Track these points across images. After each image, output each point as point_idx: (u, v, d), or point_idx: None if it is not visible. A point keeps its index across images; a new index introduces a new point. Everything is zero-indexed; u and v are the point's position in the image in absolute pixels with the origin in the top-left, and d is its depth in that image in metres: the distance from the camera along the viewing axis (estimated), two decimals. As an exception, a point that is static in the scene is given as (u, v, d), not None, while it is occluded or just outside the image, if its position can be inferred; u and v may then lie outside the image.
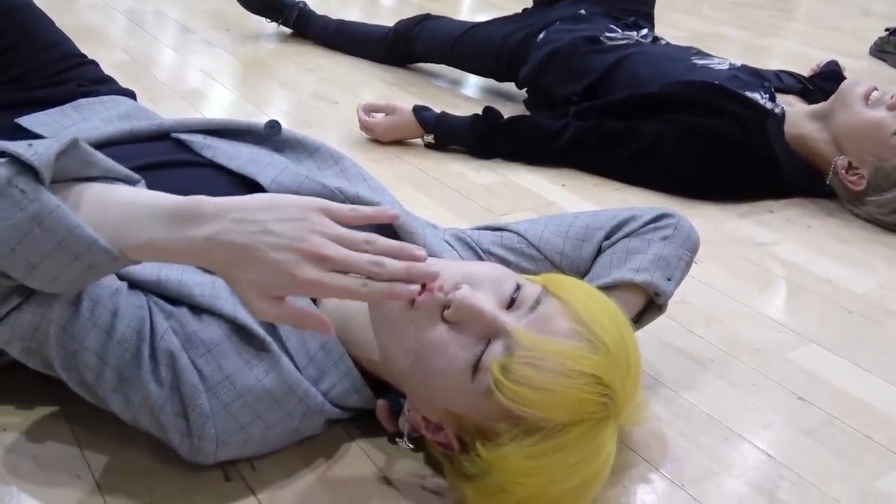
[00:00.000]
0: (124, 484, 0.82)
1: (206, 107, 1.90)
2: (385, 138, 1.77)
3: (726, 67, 1.87)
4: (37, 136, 1.07)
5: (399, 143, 1.78)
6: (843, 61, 2.10)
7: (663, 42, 2.05)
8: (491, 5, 3.20)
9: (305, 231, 0.67)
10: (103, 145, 0.98)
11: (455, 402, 0.78)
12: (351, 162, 1.03)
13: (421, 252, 0.70)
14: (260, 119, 1.08)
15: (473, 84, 2.26)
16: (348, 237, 0.69)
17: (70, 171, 0.73)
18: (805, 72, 2.05)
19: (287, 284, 0.67)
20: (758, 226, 1.58)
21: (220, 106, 1.92)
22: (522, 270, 1.03)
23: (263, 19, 2.48)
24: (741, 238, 1.52)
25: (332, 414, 0.87)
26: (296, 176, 0.96)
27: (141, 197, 0.72)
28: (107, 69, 1.31)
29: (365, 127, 1.78)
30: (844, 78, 1.86)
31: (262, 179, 0.95)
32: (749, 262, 1.43)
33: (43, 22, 1.26)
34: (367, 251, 0.69)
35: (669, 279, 1.00)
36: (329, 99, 2.02)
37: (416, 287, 0.69)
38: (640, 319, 1.01)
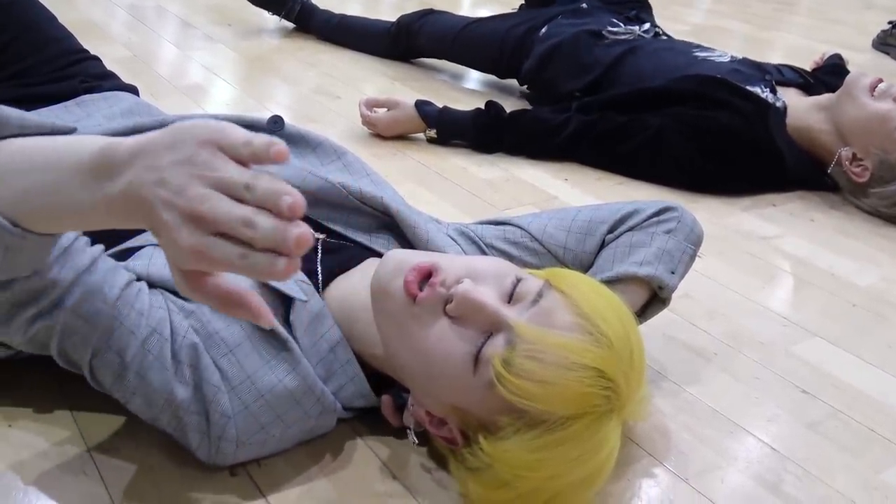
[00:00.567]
0: (130, 479, 0.82)
1: (207, 102, 1.90)
2: (387, 133, 1.77)
3: (727, 60, 1.87)
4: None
5: (401, 137, 1.78)
6: (846, 54, 2.09)
7: (664, 38, 2.05)
8: (493, 0, 3.20)
9: (188, 176, 0.55)
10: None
11: (458, 397, 0.78)
12: (354, 156, 1.03)
13: (290, 198, 0.53)
14: (262, 114, 1.08)
15: (475, 79, 2.26)
16: (228, 182, 0.54)
17: None
18: (808, 65, 2.05)
19: (178, 255, 0.56)
20: (761, 219, 1.58)
21: (221, 101, 1.92)
22: (525, 264, 1.03)
23: (265, 13, 2.48)
24: (744, 232, 1.52)
25: (341, 414, 0.87)
26: (299, 171, 0.96)
27: (56, 154, 0.62)
28: (108, 65, 1.31)
29: (367, 122, 1.78)
30: (847, 72, 1.86)
31: (265, 175, 0.95)
32: (752, 256, 1.43)
33: (45, 17, 1.26)
34: (246, 201, 0.54)
35: (673, 273, 1.00)
36: (331, 94, 2.02)
37: (282, 266, 0.54)
38: (643, 313, 1.01)
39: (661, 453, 0.94)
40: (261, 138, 0.55)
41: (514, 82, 2.15)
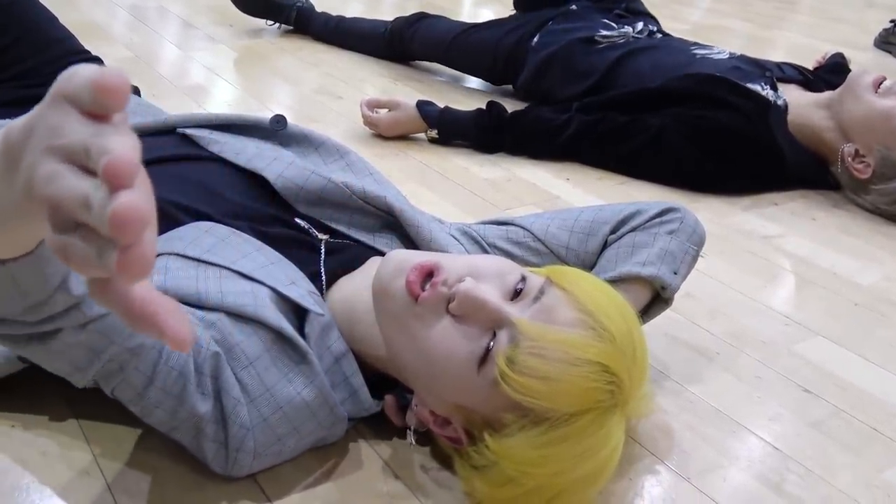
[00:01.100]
0: (133, 480, 0.82)
1: (209, 102, 1.90)
2: (389, 133, 1.77)
3: (726, 57, 1.87)
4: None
5: (403, 138, 1.78)
6: (847, 53, 2.09)
7: (659, 36, 2.03)
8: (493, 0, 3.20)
9: (39, 151, 0.41)
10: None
11: (462, 395, 0.78)
12: (356, 156, 1.03)
13: (108, 157, 0.36)
14: (264, 114, 1.08)
15: (476, 80, 2.25)
16: (69, 149, 0.40)
17: None
18: (810, 64, 2.04)
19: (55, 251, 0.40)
20: (763, 218, 1.58)
21: (223, 101, 1.92)
22: (528, 264, 1.03)
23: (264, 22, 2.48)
24: (746, 231, 1.52)
25: (348, 424, 0.87)
26: (301, 171, 0.96)
27: None
28: (110, 65, 1.31)
29: (368, 122, 1.78)
30: (850, 70, 1.86)
31: (269, 174, 0.95)
32: (754, 255, 1.43)
33: (46, 18, 1.26)
34: (91, 171, 0.39)
35: (675, 273, 1.00)
36: (332, 94, 2.02)
37: (109, 263, 0.37)
38: (646, 313, 1.01)
39: (664, 452, 0.94)
40: (98, 71, 0.41)
41: (514, 83, 2.15)
